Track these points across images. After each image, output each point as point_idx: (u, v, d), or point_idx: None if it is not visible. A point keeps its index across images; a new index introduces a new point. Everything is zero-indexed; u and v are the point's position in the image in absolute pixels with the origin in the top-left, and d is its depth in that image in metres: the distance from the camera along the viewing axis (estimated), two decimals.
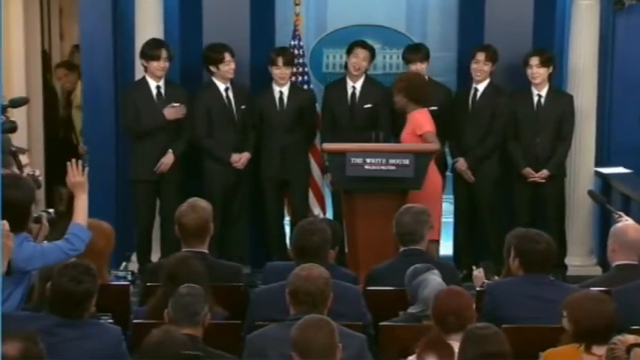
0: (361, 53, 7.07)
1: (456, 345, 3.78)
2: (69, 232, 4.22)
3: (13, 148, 5.26)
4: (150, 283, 4.77)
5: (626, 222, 5.03)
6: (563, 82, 7.34)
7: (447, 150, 7.15)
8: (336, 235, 5.12)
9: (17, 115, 5.93)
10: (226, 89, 7.02)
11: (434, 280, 4.42)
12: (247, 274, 6.30)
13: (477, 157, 7.03)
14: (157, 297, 4.41)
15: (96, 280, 3.91)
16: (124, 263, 6.77)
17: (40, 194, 7.03)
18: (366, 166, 6.11)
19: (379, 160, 6.11)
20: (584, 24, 7.13)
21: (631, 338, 3.53)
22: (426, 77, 7.07)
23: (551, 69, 6.99)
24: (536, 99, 7.04)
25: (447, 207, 7.30)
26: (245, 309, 4.65)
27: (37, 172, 5.07)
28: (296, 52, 7.33)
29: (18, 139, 6.32)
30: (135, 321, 4.31)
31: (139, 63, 6.98)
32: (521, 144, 7.03)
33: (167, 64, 6.88)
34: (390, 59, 7.65)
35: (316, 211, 7.24)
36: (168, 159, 6.89)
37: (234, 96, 7.03)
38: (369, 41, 7.34)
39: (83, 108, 7.57)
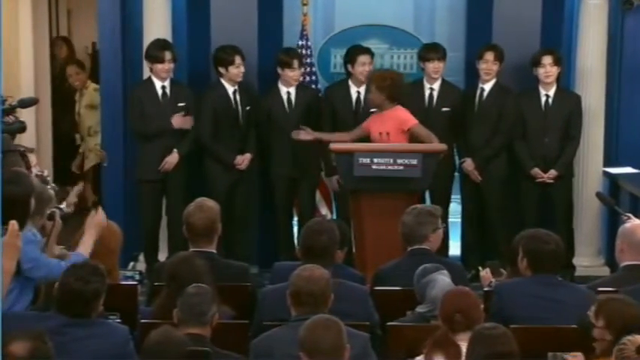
0: (366, 59, 7.05)
1: (463, 344, 3.78)
2: (70, 258, 4.22)
3: (22, 148, 5.29)
4: (157, 282, 4.78)
5: (634, 222, 5.01)
6: (571, 82, 7.33)
7: (454, 150, 7.14)
8: (345, 236, 5.12)
9: (26, 115, 5.95)
10: (234, 92, 7.03)
11: (442, 280, 4.42)
12: (255, 274, 6.31)
13: (484, 158, 7.02)
14: (161, 297, 4.42)
15: (104, 280, 3.92)
16: (131, 263, 6.80)
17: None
18: (374, 166, 6.10)
19: (387, 160, 6.11)
20: (592, 24, 7.11)
21: None
22: (441, 77, 7.08)
23: (560, 68, 6.98)
24: (544, 99, 7.03)
25: (455, 207, 7.30)
26: (252, 309, 4.66)
27: (46, 172, 5.09)
28: (303, 52, 7.33)
29: (26, 139, 6.35)
30: (142, 321, 4.31)
31: (146, 65, 7.01)
32: (528, 144, 7.02)
33: (172, 66, 6.90)
34: (397, 59, 7.65)
35: (324, 211, 7.25)
36: (172, 158, 6.90)
37: (241, 98, 7.04)
38: (377, 41, 7.35)
39: (101, 109, 7.59)
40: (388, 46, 7.55)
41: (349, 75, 7.14)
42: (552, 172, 6.98)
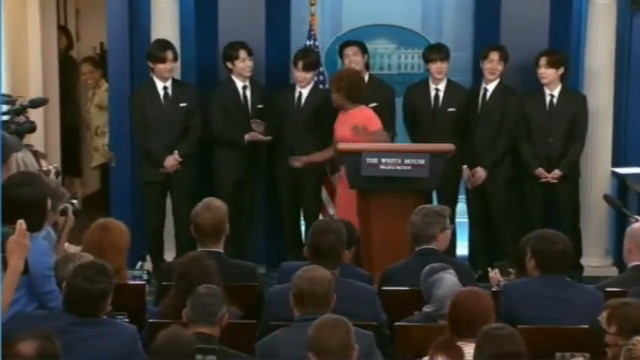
0: (351, 50, 7.04)
1: (469, 349, 3.77)
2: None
3: (34, 148, 5.34)
4: (165, 282, 4.78)
5: None
6: (579, 82, 7.31)
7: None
8: (352, 236, 5.12)
9: (34, 113, 5.97)
10: (244, 87, 7.03)
11: (449, 279, 4.42)
12: (262, 274, 6.31)
13: (490, 163, 7.00)
14: (170, 296, 4.42)
15: (111, 279, 3.92)
16: (139, 263, 6.81)
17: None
18: (382, 166, 6.10)
19: (395, 160, 6.10)
20: (600, 23, 7.10)
21: None
22: (446, 77, 7.06)
23: (561, 70, 6.95)
24: (548, 99, 7.02)
25: (462, 207, 7.30)
26: (260, 309, 4.66)
27: (52, 167, 5.10)
28: None
29: (35, 137, 6.36)
30: (150, 320, 4.32)
31: (148, 63, 7.02)
32: (533, 144, 7.01)
33: (173, 65, 6.90)
34: (405, 59, 7.65)
35: (331, 211, 7.24)
36: (171, 160, 6.89)
37: (252, 95, 7.04)
38: (384, 41, 7.35)
39: (109, 109, 7.61)
40: (396, 46, 7.55)
41: None
42: (556, 172, 6.96)
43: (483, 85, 7.06)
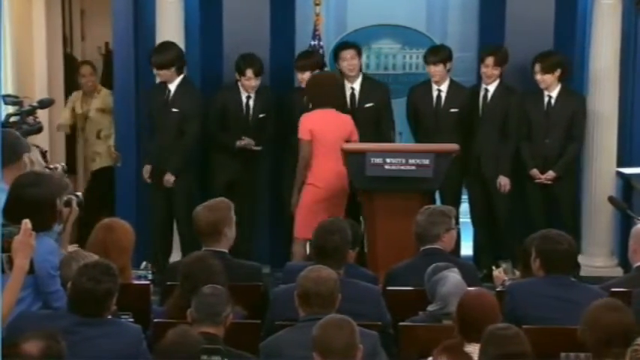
0: (347, 54, 7.02)
1: (477, 350, 3.76)
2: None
3: (44, 150, 5.38)
4: (170, 282, 4.79)
5: None
6: (584, 82, 7.30)
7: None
8: (357, 235, 5.12)
9: (40, 114, 5.98)
10: (247, 97, 7.05)
11: (453, 277, 4.42)
12: (267, 274, 6.31)
13: (502, 169, 6.98)
14: (175, 296, 4.43)
15: (116, 279, 3.92)
16: (144, 263, 6.81)
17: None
18: (386, 166, 6.10)
19: (399, 160, 6.11)
20: (605, 23, 7.08)
21: None
22: (448, 78, 7.03)
23: (558, 72, 6.92)
24: (546, 99, 7.01)
25: (465, 207, 7.30)
26: (264, 309, 4.66)
27: (59, 165, 5.13)
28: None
29: (40, 137, 6.37)
30: (155, 320, 4.32)
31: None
32: (531, 144, 7.00)
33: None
34: (410, 59, 7.65)
35: None
36: (167, 181, 6.95)
37: (255, 104, 7.03)
38: (389, 41, 7.34)
39: (115, 110, 7.61)
40: (400, 46, 7.55)
41: (340, 72, 7.10)
42: (550, 174, 6.96)
43: (484, 86, 7.06)
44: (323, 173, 6.47)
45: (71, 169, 8.39)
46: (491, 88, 7.03)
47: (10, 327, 3.75)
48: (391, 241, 5.96)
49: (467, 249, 7.20)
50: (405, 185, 6.11)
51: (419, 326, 4.34)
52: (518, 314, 4.39)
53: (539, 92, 7.01)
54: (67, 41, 8.96)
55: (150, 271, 5.37)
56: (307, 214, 6.43)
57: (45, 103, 5.85)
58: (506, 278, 5.00)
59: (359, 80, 7.07)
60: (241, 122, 7.04)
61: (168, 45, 6.90)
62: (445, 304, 4.33)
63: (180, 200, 6.93)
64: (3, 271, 3.69)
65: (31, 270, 3.75)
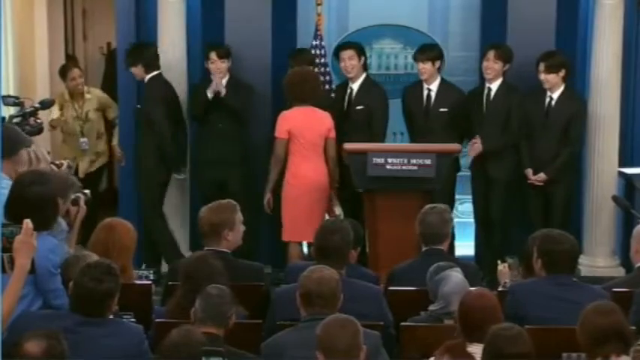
0: (347, 54, 7.01)
1: (479, 350, 3.76)
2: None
3: (48, 151, 5.41)
4: (171, 282, 4.79)
5: None
6: (586, 81, 7.30)
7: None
8: (358, 236, 5.12)
9: (41, 114, 5.99)
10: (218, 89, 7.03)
11: (455, 276, 4.42)
12: (268, 274, 6.32)
13: (491, 150, 6.98)
14: (176, 296, 4.43)
15: (118, 279, 3.92)
16: (143, 265, 6.82)
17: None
18: (388, 166, 6.10)
19: (401, 160, 6.11)
20: (607, 23, 7.07)
21: None
22: (439, 78, 7.00)
23: (562, 72, 6.91)
24: (547, 100, 7.00)
25: (468, 207, 7.29)
26: (266, 309, 4.66)
27: (64, 162, 5.15)
28: (318, 52, 7.32)
29: (41, 140, 6.38)
30: (156, 320, 4.32)
31: (162, 67, 7.04)
32: (530, 145, 6.98)
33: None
34: (411, 59, 7.64)
35: (338, 210, 7.24)
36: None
37: (226, 95, 6.98)
38: (391, 41, 7.33)
39: (119, 109, 7.61)
40: (402, 45, 7.54)
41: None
42: (541, 176, 6.94)
43: (487, 85, 7.05)
44: (301, 171, 6.48)
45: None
46: (494, 86, 7.03)
47: (11, 327, 3.76)
48: (392, 241, 5.96)
49: (468, 249, 7.19)
50: (406, 185, 6.11)
51: (420, 326, 4.34)
52: (519, 314, 4.38)
53: (542, 92, 7.00)
54: (68, 41, 8.97)
55: (151, 271, 5.38)
56: (290, 217, 6.45)
57: (46, 104, 5.88)
58: (507, 281, 4.98)
59: (359, 81, 7.06)
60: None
61: None
62: (447, 303, 4.33)
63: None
64: (4, 271, 3.70)
65: (32, 270, 3.75)
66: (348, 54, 7.00)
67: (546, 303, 4.45)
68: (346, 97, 7.06)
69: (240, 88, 7.06)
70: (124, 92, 7.46)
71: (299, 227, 6.41)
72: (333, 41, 7.66)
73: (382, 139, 6.86)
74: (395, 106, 7.20)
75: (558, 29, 7.29)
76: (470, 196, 7.29)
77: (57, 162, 5.16)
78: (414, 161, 6.10)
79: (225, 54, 7.02)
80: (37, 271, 3.82)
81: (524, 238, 4.99)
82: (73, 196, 4.63)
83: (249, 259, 5.31)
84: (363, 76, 7.07)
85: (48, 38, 8.15)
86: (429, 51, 7.02)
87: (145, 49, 7.01)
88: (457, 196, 7.24)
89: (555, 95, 6.97)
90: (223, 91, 6.93)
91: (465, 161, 7.20)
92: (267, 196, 6.59)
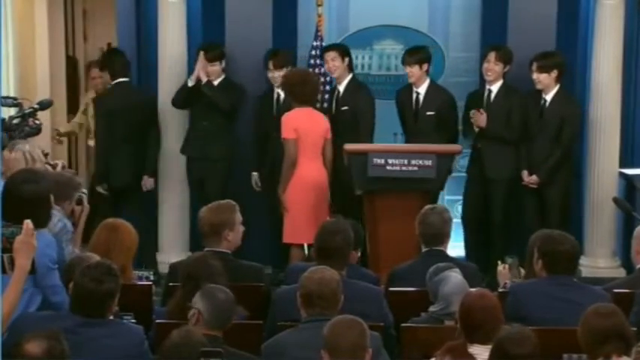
0: (330, 55, 7.01)
1: (480, 351, 3.76)
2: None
3: (46, 152, 5.41)
4: (171, 283, 4.79)
5: None
6: (587, 82, 7.29)
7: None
8: (359, 236, 5.11)
9: (41, 115, 5.98)
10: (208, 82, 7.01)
11: (455, 277, 4.42)
12: (268, 274, 6.32)
13: (491, 140, 6.97)
14: (176, 297, 4.42)
15: (118, 280, 3.92)
16: (143, 266, 6.81)
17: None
18: (388, 167, 6.10)
19: (401, 160, 6.11)
20: (608, 24, 7.07)
21: None
22: (427, 81, 6.98)
23: (555, 73, 6.90)
24: (542, 102, 6.99)
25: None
26: (267, 309, 4.66)
27: (59, 162, 5.16)
28: (318, 52, 7.32)
29: (42, 139, 6.38)
30: (157, 321, 4.32)
31: (162, 67, 7.05)
32: (527, 146, 6.96)
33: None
34: None
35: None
36: (148, 183, 7.07)
37: (215, 93, 6.98)
38: (391, 42, 7.32)
39: None
40: (402, 46, 7.53)
41: None
42: (533, 178, 6.93)
43: (487, 87, 7.04)
44: (306, 172, 6.48)
45: (71, 168, 8.39)
46: (495, 88, 7.02)
47: (12, 327, 3.75)
48: (393, 242, 5.96)
49: (458, 250, 7.17)
50: (407, 186, 6.10)
51: (421, 327, 4.34)
52: (520, 315, 4.38)
53: (538, 94, 7.00)
54: (68, 42, 8.96)
55: (151, 272, 5.38)
56: (293, 218, 6.43)
57: (45, 105, 5.87)
58: (508, 282, 4.97)
59: (345, 82, 7.04)
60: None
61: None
62: (447, 303, 4.33)
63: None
64: (4, 272, 3.69)
65: (33, 270, 3.75)
66: (330, 55, 7.01)
67: (547, 304, 4.45)
68: (333, 99, 7.07)
69: (230, 89, 7.04)
70: None
71: (301, 228, 6.40)
72: (334, 42, 7.65)
73: (369, 140, 6.84)
74: (395, 107, 7.20)
75: (559, 30, 7.29)
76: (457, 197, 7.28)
77: (52, 162, 5.17)
78: (414, 162, 6.10)
79: (214, 57, 6.98)
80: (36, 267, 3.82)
81: (523, 239, 4.98)
82: (76, 196, 4.67)
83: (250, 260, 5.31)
84: (349, 77, 7.06)
85: (48, 39, 8.14)
86: (416, 54, 7.01)
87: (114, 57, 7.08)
88: (454, 197, 7.22)
89: (549, 97, 6.97)
90: (204, 79, 6.91)
91: (462, 162, 7.19)
92: (283, 197, 6.56)
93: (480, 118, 6.91)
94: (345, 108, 6.94)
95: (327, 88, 7.32)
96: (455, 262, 4.82)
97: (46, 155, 5.37)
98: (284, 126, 6.50)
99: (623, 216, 7.12)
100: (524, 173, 6.97)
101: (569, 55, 7.25)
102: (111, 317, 3.95)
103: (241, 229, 5.01)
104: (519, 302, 4.49)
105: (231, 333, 4.01)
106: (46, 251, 4.02)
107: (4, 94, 6.38)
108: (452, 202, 7.33)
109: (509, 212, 7.10)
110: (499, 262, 5.20)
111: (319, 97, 7.00)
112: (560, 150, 6.94)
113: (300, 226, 6.43)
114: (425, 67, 6.98)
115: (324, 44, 7.37)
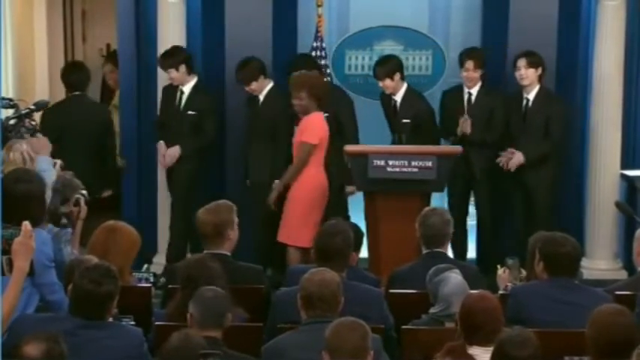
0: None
1: (480, 352, 3.74)
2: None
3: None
4: (171, 285, 4.77)
5: None
6: (588, 83, 7.28)
7: None
8: (359, 238, 5.10)
9: (39, 118, 5.98)
10: (181, 92, 6.99)
11: (455, 277, 4.41)
12: (268, 276, 6.30)
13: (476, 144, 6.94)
14: (175, 299, 4.41)
15: (117, 281, 3.91)
16: (145, 265, 6.81)
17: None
18: (389, 168, 6.09)
19: (402, 162, 6.10)
20: (609, 24, 7.06)
21: None
22: (403, 88, 6.93)
23: (539, 70, 6.89)
24: (524, 102, 6.97)
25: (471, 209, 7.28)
26: (267, 311, 4.65)
27: (57, 162, 5.15)
28: (318, 53, 7.32)
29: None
30: (156, 323, 4.31)
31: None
32: (513, 147, 6.94)
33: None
34: (412, 61, 7.63)
35: None
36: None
37: (187, 101, 6.96)
38: (392, 43, 7.32)
39: (120, 111, 7.61)
40: (403, 47, 7.53)
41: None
42: (518, 155, 6.76)
43: (466, 90, 7.02)
44: (316, 174, 6.46)
45: None
46: (474, 90, 7.01)
47: (11, 329, 3.74)
48: (393, 244, 5.94)
49: (471, 251, 7.17)
50: (407, 187, 6.09)
51: (421, 329, 4.33)
52: (521, 317, 4.37)
53: (520, 94, 6.96)
54: (68, 43, 8.96)
55: (151, 273, 5.36)
56: (292, 218, 6.43)
57: (40, 106, 5.84)
58: (509, 284, 4.95)
59: None
60: (172, 116, 7.00)
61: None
62: (447, 304, 4.32)
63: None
64: (3, 273, 3.68)
65: (32, 272, 3.74)
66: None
67: (548, 306, 4.44)
68: None
69: (201, 98, 6.98)
70: (125, 94, 7.44)
71: (301, 230, 6.37)
72: (334, 42, 7.65)
73: (355, 142, 6.81)
74: None
75: (560, 30, 7.28)
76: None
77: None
78: (414, 163, 6.09)
79: (167, 65, 6.88)
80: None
81: (512, 239, 4.96)
82: (74, 198, 4.67)
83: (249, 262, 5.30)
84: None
85: (47, 40, 8.14)
86: (383, 66, 6.94)
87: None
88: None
89: (531, 96, 6.94)
90: (170, 164, 6.95)
91: None
92: (275, 193, 6.55)
93: (466, 125, 6.88)
94: (325, 115, 6.89)
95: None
96: (455, 263, 4.81)
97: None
98: (314, 130, 6.41)
99: (624, 217, 7.11)
100: (508, 151, 6.87)
101: (571, 56, 7.24)
102: (110, 319, 3.93)
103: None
104: (520, 304, 4.47)
105: (231, 335, 4.00)
106: (42, 249, 4.00)
107: (3, 95, 6.37)
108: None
109: (495, 211, 7.07)
110: (498, 267, 5.19)
111: None
112: (549, 145, 6.91)
113: (293, 229, 6.41)
114: (397, 76, 6.92)
115: (324, 44, 7.36)
